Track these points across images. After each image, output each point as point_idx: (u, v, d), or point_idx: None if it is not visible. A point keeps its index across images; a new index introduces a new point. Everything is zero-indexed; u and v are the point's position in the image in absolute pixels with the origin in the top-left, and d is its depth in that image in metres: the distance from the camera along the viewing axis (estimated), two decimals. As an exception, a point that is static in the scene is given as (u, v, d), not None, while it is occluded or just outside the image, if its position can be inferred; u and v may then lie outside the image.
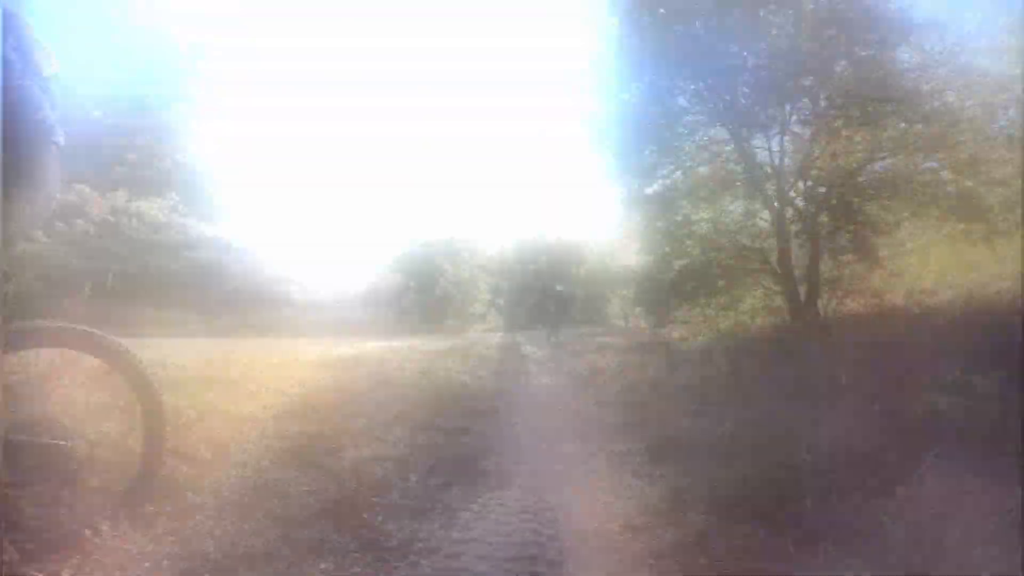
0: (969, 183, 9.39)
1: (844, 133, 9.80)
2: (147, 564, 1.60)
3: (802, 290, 9.47)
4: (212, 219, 27.23)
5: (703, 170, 11.68)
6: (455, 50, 52.45)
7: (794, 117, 10.17)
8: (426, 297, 25.02)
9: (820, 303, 9.27)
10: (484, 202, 49.18)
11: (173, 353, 5.10)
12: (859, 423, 2.67)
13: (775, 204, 10.03)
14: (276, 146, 41.11)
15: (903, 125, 9.35)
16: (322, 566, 1.68)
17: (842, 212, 9.54)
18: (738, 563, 1.68)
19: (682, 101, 11.05)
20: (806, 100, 10.10)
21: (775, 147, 10.68)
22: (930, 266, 10.79)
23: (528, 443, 3.83)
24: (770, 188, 10.13)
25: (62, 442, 1.55)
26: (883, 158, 10.03)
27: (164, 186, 27.94)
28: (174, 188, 27.41)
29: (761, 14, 10.13)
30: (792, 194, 10.32)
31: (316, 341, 10.61)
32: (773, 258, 10.15)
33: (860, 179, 10.07)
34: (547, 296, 17.71)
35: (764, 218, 10.67)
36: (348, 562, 1.73)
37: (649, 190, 11.55)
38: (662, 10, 11.11)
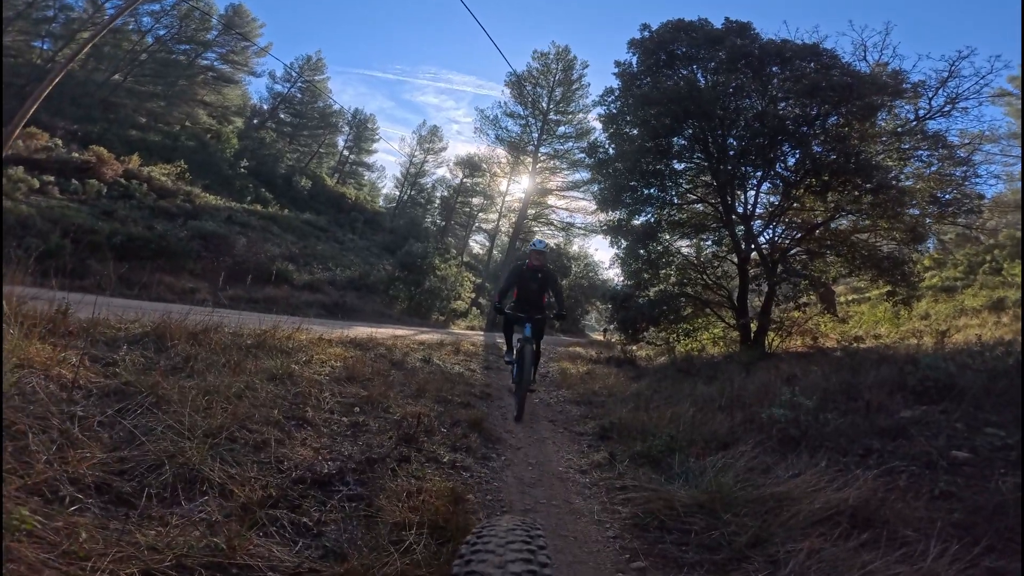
0: (903, 249, 10.75)
1: (806, 195, 11.12)
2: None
3: (754, 326, 10.80)
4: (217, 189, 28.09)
5: (687, 208, 12.94)
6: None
7: (772, 172, 11.43)
8: (414, 288, 25.67)
9: (767, 339, 10.57)
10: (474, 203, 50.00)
11: (226, 322, 6.19)
12: (729, 420, 4.14)
13: (742, 247, 11.29)
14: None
15: (856, 193, 10.30)
16: (410, 467, 2.96)
17: (795, 265, 10.88)
18: (636, 489, 3.02)
19: (677, 143, 12.03)
20: (782, 161, 11.27)
21: (749, 199, 12.01)
22: (865, 318, 12.42)
23: (513, 421, 5.18)
24: (740, 234, 11.38)
25: None
26: (836, 219, 11.38)
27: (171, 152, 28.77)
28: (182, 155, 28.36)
29: (762, 76, 11.27)
30: (761, 240, 11.62)
31: (322, 323, 11.65)
32: (735, 295, 11.52)
33: (816, 234, 11.46)
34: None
35: (732, 260, 11.96)
36: (422, 469, 3.01)
37: (638, 220, 12.61)
38: (679, 51, 12.28)
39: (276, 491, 2.20)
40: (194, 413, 2.66)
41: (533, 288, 6.28)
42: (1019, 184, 21.15)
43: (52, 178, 18.37)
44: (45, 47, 33.44)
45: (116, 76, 33.95)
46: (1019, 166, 21.11)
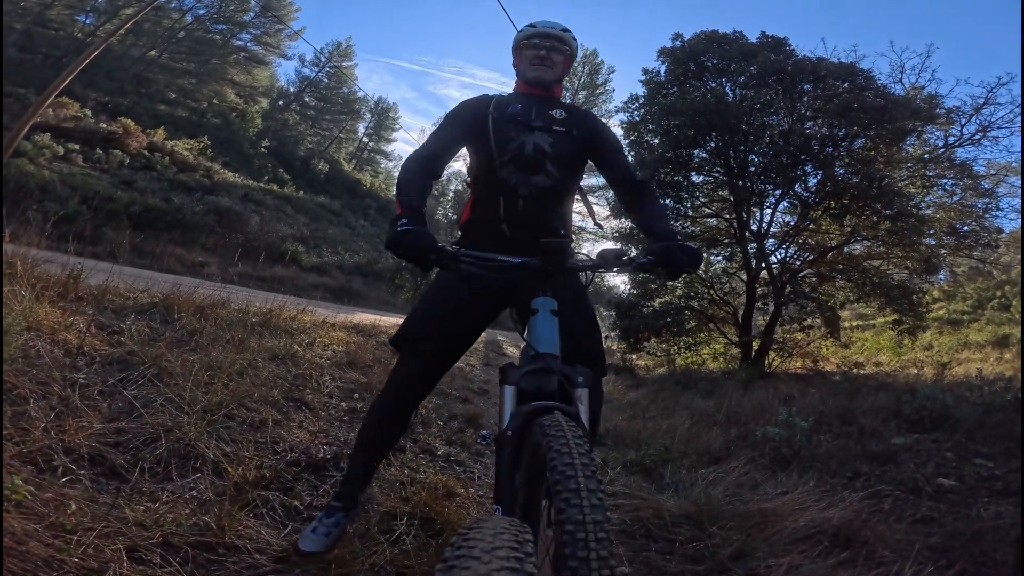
0: (914, 279, 10.64)
1: (823, 217, 11.02)
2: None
3: (756, 344, 10.76)
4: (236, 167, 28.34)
5: (701, 221, 12.86)
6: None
7: (791, 192, 11.34)
8: (420, 279, 25.77)
9: (768, 358, 10.52)
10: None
11: (233, 298, 6.22)
12: (724, 435, 4.18)
13: (753, 265, 11.23)
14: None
15: (875, 218, 10.23)
16: (405, 458, 2.99)
17: (804, 287, 10.79)
18: (626, 496, 3.04)
19: (698, 155, 11.95)
20: (803, 181, 11.16)
21: (765, 217, 11.93)
22: (867, 344, 12.35)
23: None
24: (752, 251, 11.34)
25: None
26: (851, 244, 11.27)
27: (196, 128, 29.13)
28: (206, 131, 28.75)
29: (793, 93, 11.14)
30: (772, 260, 11.54)
31: (326, 306, 11.71)
32: (740, 313, 11.46)
33: (828, 257, 11.37)
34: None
35: (741, 277, 11.89)
36: (416, 460, 3.03)
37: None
38: (710, 63, 12.20)
39: (270, 472, 2.22)
40: (195, 388, 2.68)
41: (541, 166, 1.90)
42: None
43: (77, 146, 18.64)
44: (88, 21, 34.14)
45: (152, 52, 34.57)
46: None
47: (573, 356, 1.49)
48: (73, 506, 1.59)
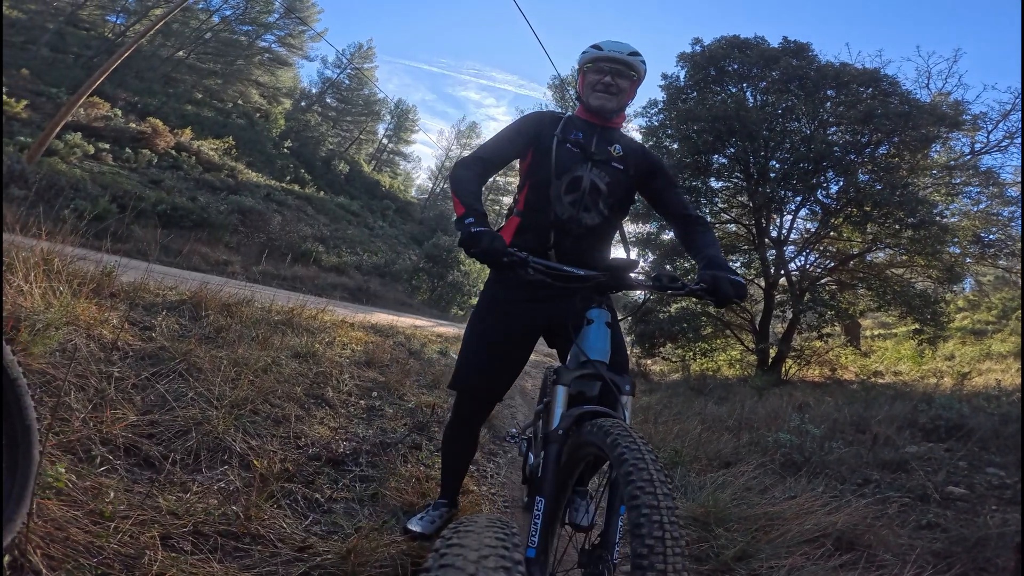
0: (937, 288, 10.46)
1: (844, 225, 10.88)
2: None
3: (773, 352, 10.67)
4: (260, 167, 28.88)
5: (719, 227, 12.77)
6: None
7: (812, 198, 11.23)
8: (437, 281, 25.98)
9: (785, 366, 10.44)
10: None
11: (257, 297, 6.39)
12: (735, 440, 4.21)
13: (771, 272, 11.15)
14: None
15: (897, 226, 10.05)
16: (420, 455, 3.09)
17: (823, 295, 10.66)
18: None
19: (717, 161, 11.88)
20: (824, 187, 11.04)
21: (785, 223, 11.83)
22: (888, 353, 12.17)
23: (521, 419, 5.28)
24: (771, 258, 11.25)
25: None
26: (873, 252, 11.12)
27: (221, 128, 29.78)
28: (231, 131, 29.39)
29: (815, 99, 11.04)
30: (791, 267, 11.44)
31: (345, 306, 11.91)
32: (758, 320, 11.39)
33: (849, 265, 11.24)
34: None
35: (759, 284, 11.81)
36: (431, 455, 3.13)
37: (668, 235, 12.38)
38: (730, 68, 12.14)
39: (292, 466, 2.33)
40: (223, 383, 2.80)
41: (595, 204, 2.01)
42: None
43: (107, 145, 19.20)
44: (118, 21, 35.25)
45: (180, 53, 35.49)
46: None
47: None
48: (112, 494, 1.68)
